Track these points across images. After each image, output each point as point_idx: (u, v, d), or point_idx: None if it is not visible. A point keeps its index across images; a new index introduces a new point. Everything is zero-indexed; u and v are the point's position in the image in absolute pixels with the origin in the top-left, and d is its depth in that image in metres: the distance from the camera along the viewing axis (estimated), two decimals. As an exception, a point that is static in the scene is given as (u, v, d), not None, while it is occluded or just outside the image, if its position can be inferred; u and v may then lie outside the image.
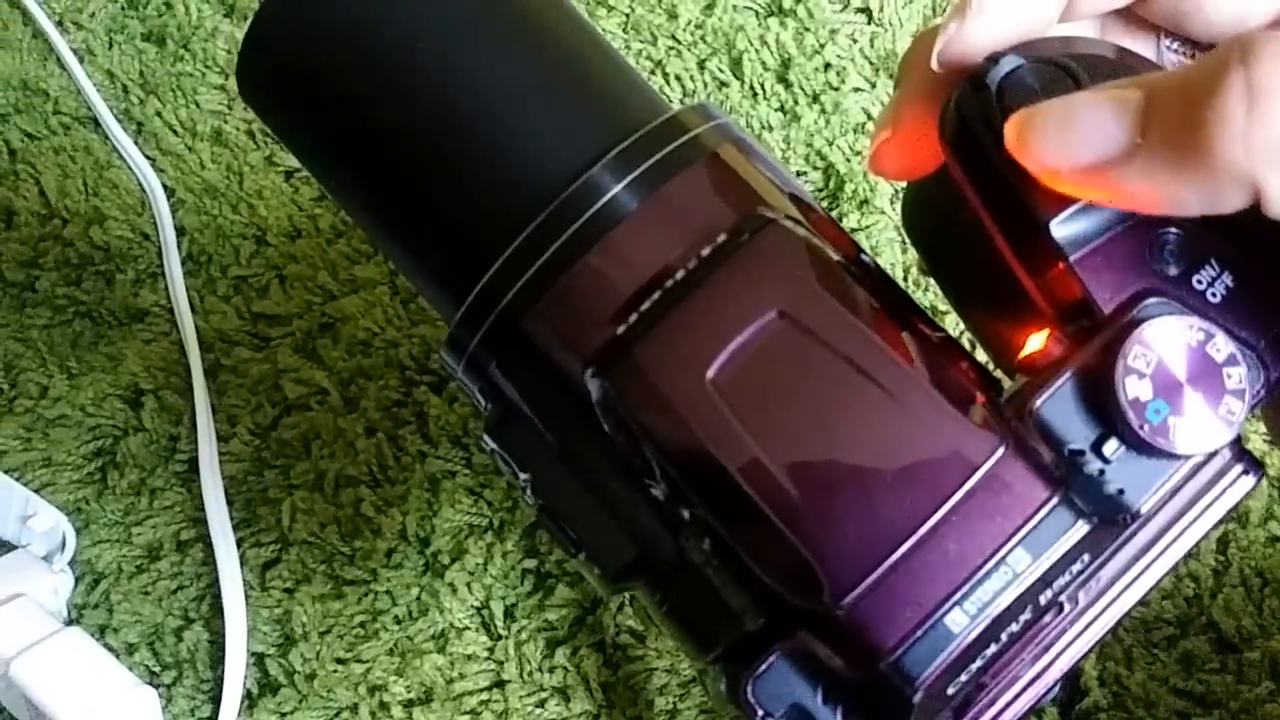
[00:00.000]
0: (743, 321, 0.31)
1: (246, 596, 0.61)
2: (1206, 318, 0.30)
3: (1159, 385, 0.29)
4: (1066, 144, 0.29)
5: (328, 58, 0.36)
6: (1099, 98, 0.29)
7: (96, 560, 0.63)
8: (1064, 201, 0.30)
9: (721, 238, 0.32)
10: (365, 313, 0.67)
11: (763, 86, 0.73)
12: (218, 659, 0.60)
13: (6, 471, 0.64)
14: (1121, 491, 0.30)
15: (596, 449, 0.32)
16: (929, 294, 0.64)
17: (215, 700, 0.59)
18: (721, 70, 0.73)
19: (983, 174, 0.31)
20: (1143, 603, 0.31)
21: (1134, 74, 0.31)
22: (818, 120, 0.71)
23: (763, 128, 0.71)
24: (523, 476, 0.34)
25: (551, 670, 0.58)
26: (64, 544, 0.62)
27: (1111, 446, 0.30)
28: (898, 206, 0.67)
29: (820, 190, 0.69)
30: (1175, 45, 0.35)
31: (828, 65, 0.73)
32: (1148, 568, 0.31)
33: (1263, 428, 0.55)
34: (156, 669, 0.60)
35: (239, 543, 0.62)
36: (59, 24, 0.81)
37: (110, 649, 0.59)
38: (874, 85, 0.72)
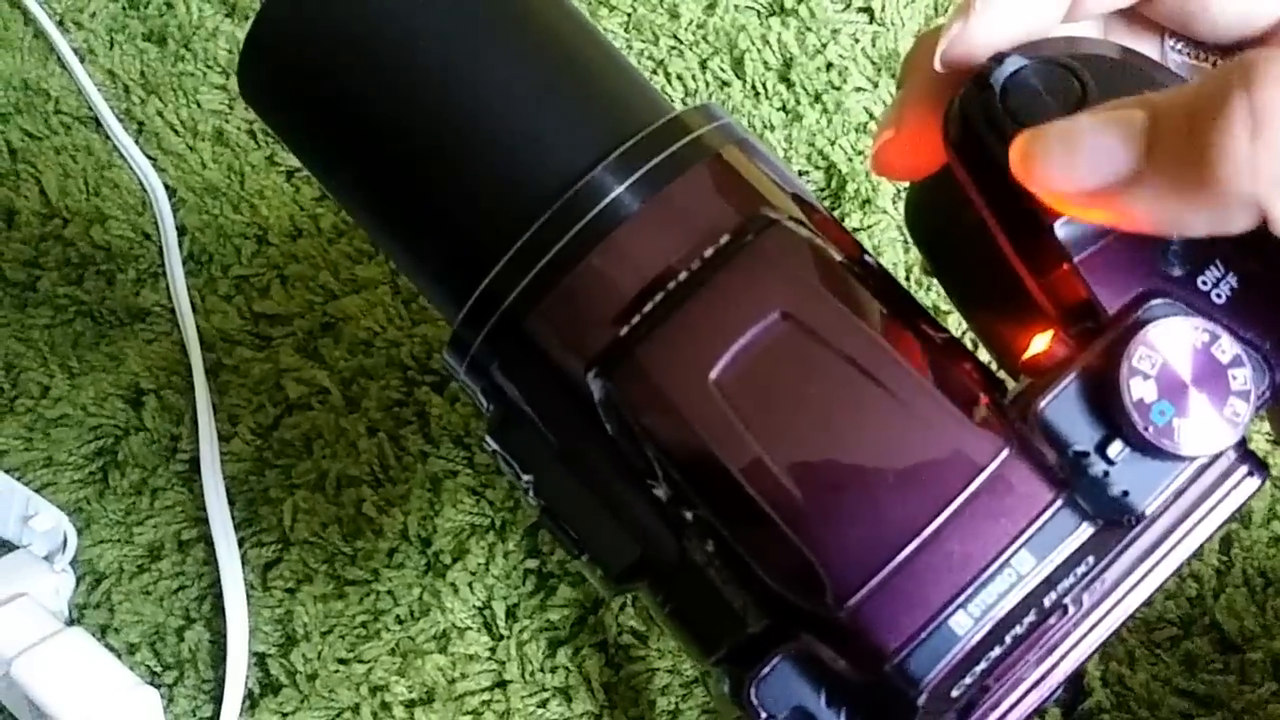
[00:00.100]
0: (746, 323, 0.31)
1: (248, 596, 0.61)
2: (1211, 319, 0.30)
3: (1164, 387, 0.29)
4: (1071, 168, 0.28)
5: (329, 58, 0.36)
6: (1102, 121, 0.29)
7: (98, 560, 0.63)
8: None
9: (725, 239, 0.32)
10: (367, 312, 0.67)
11: (765, 86, 0.72)
12: (219, 659, 0.60)
13: (7, 471, 0.64)
14: (1126, 493, 0.30)
15: (599, 450, 0.32)
16: (931, 294, 0.63)
17: (217, 700, 0.59)
18: (723, 70, 0.73)
19: (986, 175, 0.31)
20: (1146, 604, 0.31)
21: (1139, 74, 0.31)
22: (820, 120, 0.71)
23: (765, 127, 0.71)
24: (525, 478, 0.34)
25: (553, 670, 0.58)
26: (65, 544, 0.62)
27: (1116, 448, 0.29)
28: (900, 206, 0.67)
29: (822, 190, 0.69)
30: (1180, 46, 0.35)
31: (830, 65, 0.73)
32: (1152, 569, 0.31)
33: (1265, 427, 0.55)
34: (158, 669, 0.60)
35: (240, 542, 0.62)
36: (60, 23, 0.80)
37: (111, 649, 0.59)
38: (876, 85, 0.72)
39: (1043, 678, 0.31)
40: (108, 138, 0.75)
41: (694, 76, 0.73)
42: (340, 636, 0.60)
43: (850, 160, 0.69)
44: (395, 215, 0.37)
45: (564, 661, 0.58)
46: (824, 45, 0.73)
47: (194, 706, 0.59)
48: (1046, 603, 0.30)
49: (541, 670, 0.58)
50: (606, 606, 0.59)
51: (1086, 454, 0.30)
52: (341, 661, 0.59)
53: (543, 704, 0.58)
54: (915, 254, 0.66)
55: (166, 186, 0.73)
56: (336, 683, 0.59)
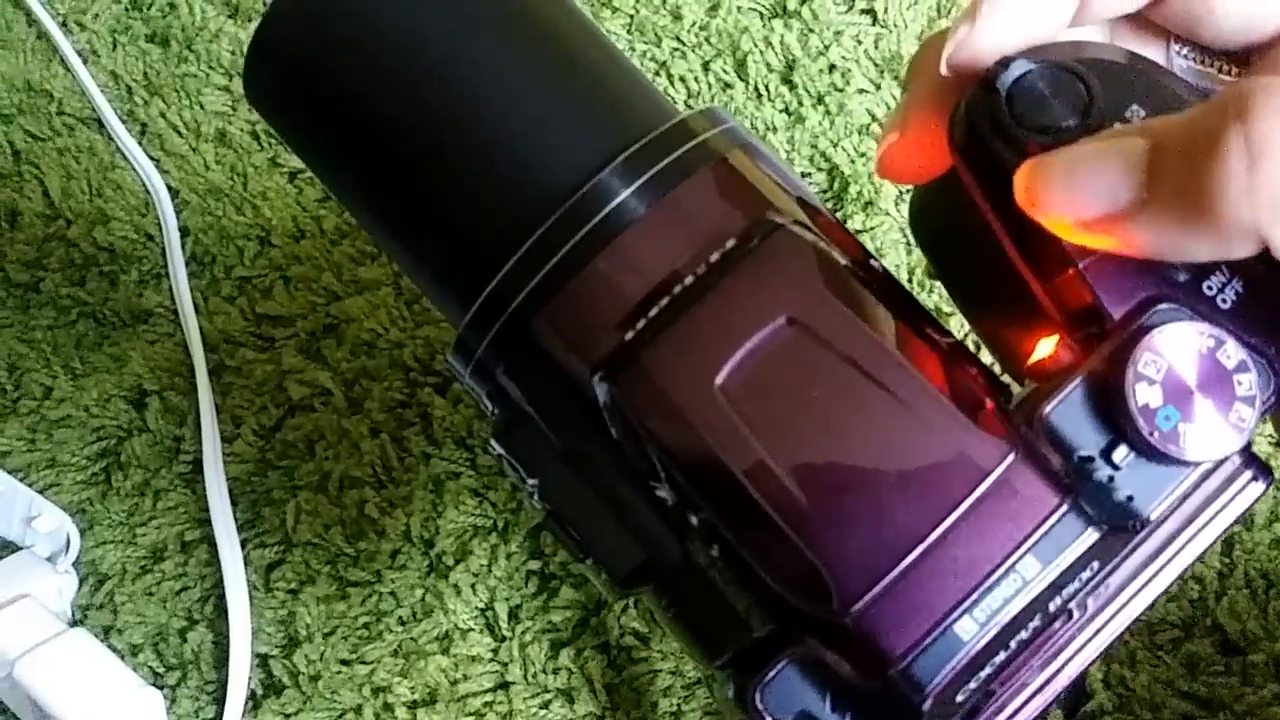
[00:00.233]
0: (752, 327, 0.31)
1: (251, 598, 0.61)
2: (1216, 324, 0.30)
3: (1169, 392, 0.29)
4: (1073, 197, 0.29)
5: (336, 60, 0.36)
6: (1103, 150, 0.29)
7: (100, 561, 0.63)
8: None
9: (730, 243, 0.32)
10: (369, 314, 0.67)
11: (767, 88, 0.73)
12: (222, 660, 0.60)
13: (10, 472, 0.64)
14: (1131, 498, 0.30)
15: (604, 454, 0.32)
16: (933, 297, 0.63)
17: (219, 701, 0.59)
18: (726, 72, 0.73)
19: (992, 179, 0.31)
20: (1151, 608, 0.31)
21: (1146, 79, 0.31)
22: (822, 122, 0.71)
23: (767, 129, 0.71)
24: (530, 481, 0.34)
25: (556, 672, 0.58)
26: (68, 545, 0.62)
27: (1121, 453, 0.29)
28: (902, 208, 0.67)
29: (825, 192, 0.69)
30: (1185, 51, 0.35)
31: (832, 67, 0.73)
32: (1157, 574, 0.31)
33: (1267, 429, 0.55)
34: (161, 670, 0.60)
35: (243, 544, 0.62)
36: (63, 25, 0.81)
37: (114, 650, 0.59)
38: (879, 87, 0.72)
39: (1047, 682, 0.31)
40: (111, 139, 0.75)
41: (696, 78, 0.73)
42: (343, 638, 0.60)
43: (853, 162, 0.69)
44: (400, 218, 0.37)
45: (566, 663, 0.58)
46: (826, 47, 0.73)
47: (196, 708, 0.59)
48: (1051, 608, 0.30)
49: (544, 671, 0.58)
50: (609, 608, 0.59)
51: (1092, 459, 0.30)
52: (344, 663, 0.59)
53: (545, 705, 0.58)
54: (917, 256, 0.66)
55: (169, 188, 0.73)
56: (339, 684, 0.59)
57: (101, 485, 0.65)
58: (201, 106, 0.76)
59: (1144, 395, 0.29)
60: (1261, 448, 0.56)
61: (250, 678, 0.59)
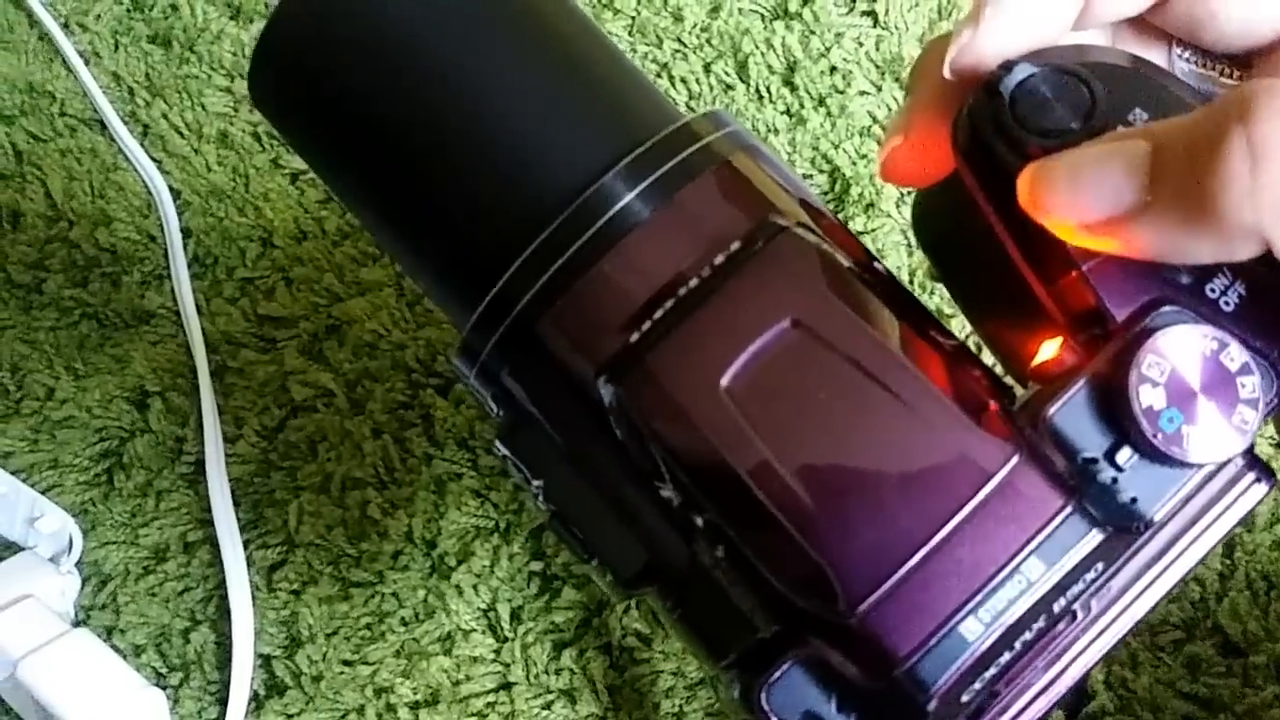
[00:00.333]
0: (757, 329, 0.31)
1: (253, 598, 0.61)
2: (1219, 326, 0.30)
3: (1173, 394, 0.29)
4: (1076, 200, 0.29)
5: (341, 63, 0.36)
6: (1106, 153, 0.29)
7: (103, 562, 0.63)
8: None
9: (735, 245, 0.32)
10: (371, 315, 0.67)
11: (768, 90, 0.73)
12: (224, 661, 0.60)
13: (13, 473, 0.64)
14: (1134, 500, 0.30)
15: (609, 456, 0.32)
16: (934, 299, 0.64)
17: (222, 702, 0.59)
18: (727, 73, 0.73)
19: (995, 182, 0.31)
20: (1154, 611, 0.31)
21: (1148, 83, 0.31)
22: (823, 123, 0.71)
23: (768, 131, 0.71)
24: (535, 483, 0.34)
25: (558, 672, 0.58)
26: (71, 545, 0.62)
27: (1125, 455, 0.30)
28: (903, 210, 0.68)
29: (826, 194, 0.69)
30: (1187, 54, 0.35)
31: (833, 68, 0.73)
32: (1160, 576, 0.31)
33: (1269, 431, 0.55)
34: (164, 670, 0.60)
35: (246, 544, 0.62)
36: (64, 26, 0.81)
37: (117, 650, 0.59)
38: (879, 88, 0.72)
39: (1051, 683, 0.31)
40: (113, 140, 0.76)
41: (698, 80, 0.74)
42: (345, 638, 0.60)
43: (854, 164, 0.69)
44: (405, 220, 0.37)
45: (569, 663, 0.58)
46: (828, 49, 0.73)
47: (199, 708, 0.59)
48: (1056, 609, 0.30)
49: (546, 672, 0.58)
50: (611, 609, 0.59)
51: (1095, 461, 0.30)
52: (346, 663, 0.59)
53: (547, 706, 0.58)
54: (919, 258, 0.66)
55: (171, 189, 0.73)
56: (341, 684, 0.59)
57: (104, 486, 0.65)
58: (203, 108, 0.76)
59: (1147, 397, 0.29)
60: (1263, 449, 0.56)
61: (253, 678, 0.59)
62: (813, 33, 0.74)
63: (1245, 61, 0.35)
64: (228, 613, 0.60)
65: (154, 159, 0.74)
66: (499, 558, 0.61)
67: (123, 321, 0.69)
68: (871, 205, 0.68)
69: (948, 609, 0.29)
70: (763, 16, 0.76)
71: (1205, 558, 0.31)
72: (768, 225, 0.33)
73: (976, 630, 0.29)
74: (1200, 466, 0.30)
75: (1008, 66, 0.31)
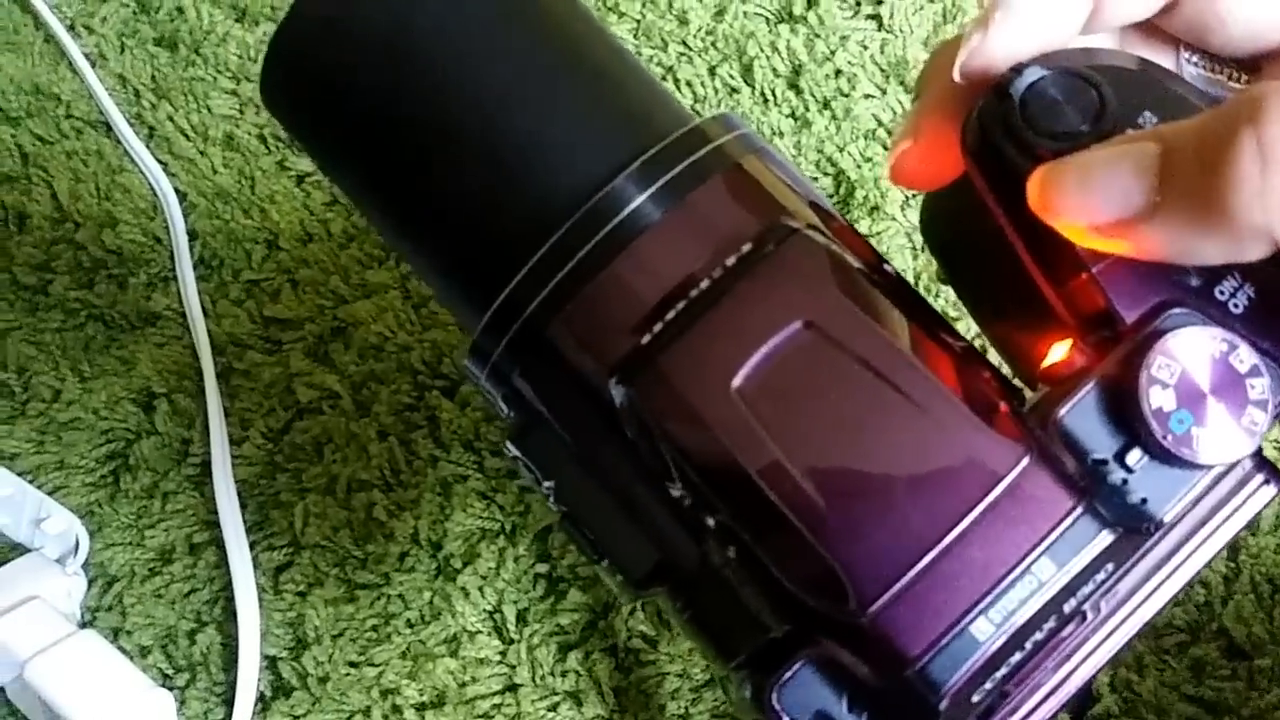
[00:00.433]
0: (768, 331, 0.31)
1: (259, 600, 0.61)
2: (1229, 329, 0.30)
3: (1182, 396, 0.29)
4: (1086, 202, 0.29)
5: (354, 65, 0.36)
6: (1116, 155, 0.29)
7: (109, 563, 0.63)
8: None
9: (746, 247, 0.32)
10: (377, 317, 0.67)
11: (773, 93, 0.73)
12: (231, 662, 0.60)
13: (19, 474, 0.64)
14: (1144, 501, 0.30)
15: (620, 457, 0.33)
16: (940, 301, 0.64)
17: (228, 703, 0.59)
18: (732, 76, 0.74)
19: (1005, 184, 0.32)
20: (1164, 611, 0.31)
21: (1158, 86, 0.32)
22: (828, 126, 0.71)
23: (774, 134, 0.71)
24: (546, 483, 0.34)
25: (564, 674, 0.58)
26: (77, 547, 0.62)
27: (1135, 456, 0.30)
28: (908, 213, 0.68)
29: (831, 197, 0.69)
30: (1195, 59, 0.35)
31: (838, 72, 0.73)
32: (1170, 576, 0.31)
33: (1276, 434, 0.55)
34: (170, 672, 0.60)
35: (252, 546, 0.62)
36: (70, 28, 0.81)
37: (123, 652, 0.59)
38: (884, 91, 0.72)
39: (1061, 684, 0.31)
40: (119, 142, 0.76)
41: (703, 83, 0.74)
42: (351, 640, 0.60)
43: (859, 167, 0.69)
44: (416, 222, 0.37)
45: (574, 665, 0.58)
46: (833, 52, 0.74)
47: (206, 709, 0.59)
48: (1066, 609, 0.30)
49: (552, 674, 0.58)
50: (616, 611, 0.59)
51: (1105, 462, 0.30)
52: (352, 665, 0.60)
53: (553, 708, 0.58)
54: (924, 261, 0.66)
55: (177, 191, 0.73)
56: (347, 686, 0.59)
57: (110, 487, 0.65)
58: (209, 110, 0.76)
59: (1157, 399, 0.29)
60: (1268, 452, 0.56)
61: (259, 679, 0.59)
62: (818, 36, 0.74)
63: (1253, 66, 0.35)
64: (234, 614, 0.60)
65: (160, 161, 0.75)
66: (505, 560, 0.61)
67: (129, 323, 0.69)
68: (876, 208, 0.68)
69: (959, 609, 0.29)
70: (767, 20, 0.76)
71: (1214, 559, 0.32)
72: (779, 227, 0.33)
73: (987, 630, 0.29)
74: (1210, 468, 0.30)
75: (1018, 69, 0.31)
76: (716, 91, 0.73)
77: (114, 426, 0.66)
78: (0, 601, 0.58)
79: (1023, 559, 0.30)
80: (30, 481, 0.64)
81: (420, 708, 0.58)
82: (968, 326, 0.43)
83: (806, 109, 0.72)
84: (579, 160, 0.35)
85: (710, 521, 0.32)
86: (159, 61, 0.79)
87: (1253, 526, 0.58)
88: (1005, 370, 0.36)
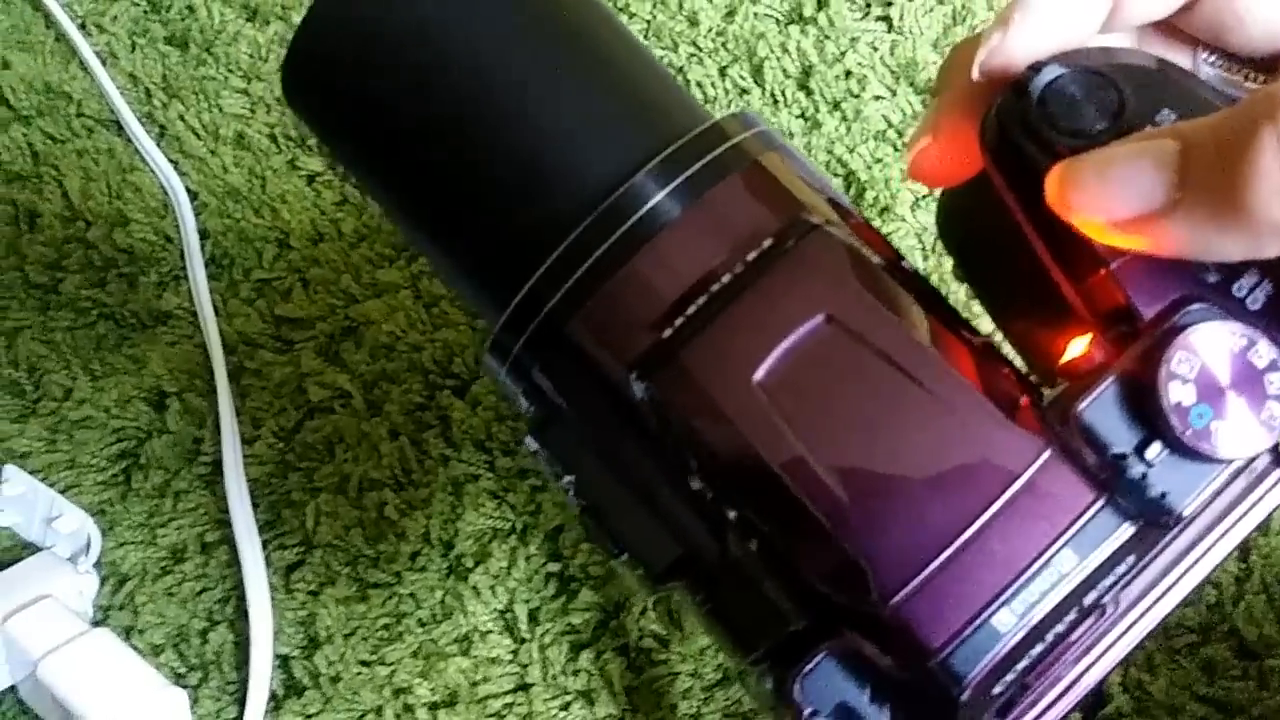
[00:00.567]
0: (790, 325, 0.31)
1: (271, 598, 0.61)
2: (1247, 324, 0.30)
3: (1202, 390, 0.29)
4: (1105, 198, 0.29)
5: (376, 60, 0.36)
6: (1135, 151, 0.29)
7: (121, 562, 0.63)
8: None
9: (767, 243, 0.33)
10: (388, 317, 0.67)
11: (784, 94, 0.73)
12: (243, 661, 0.60)
13: (31, 473, 0.64)
14: (1164, 495, 0.30)
15: (640, 450, 0.33)
16: (950, 300, 0.64)
17: (241, 702, 0.59)
18: (743, 77, 0.74)
19: (1023, 181, 0.32)
20: (1183, 605, 0.32)
21: (1176, 85, 0.32)
22: (838, 127, 0.71)
23: (784, 135, 0.71)
24: (566, 478, 0.34)
25: (575, 673, 0.58)
26: (89, 545, 0.62)
27: (1154, 450, 0.30)
28: (919, 214, 0.68)
29: (841, 197, 0.69)
30: (1212, 59, 0.35)
31: (848, 73, 0.73)
32: (1189, 570, 0.31)
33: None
34: (182, 670, 0.60)
35: (263, 545, 0.62)
36: (81, 27, 0.81)
37: (136, 650, 0.60)
38: (894, 93, 0.73)
39: (1081, 677, 0.31)
40: (129, 141, 0.76)
41: (713, 84, 0.74)
42: (363, 639, 0.60)
43: (869, 168, 0.69)
44: (436, 218, 0.38)
45: (586, 665, 0.58)
46: (843, 53, 0.74)
47: (218, 708, 0.59)
48: (1087, 602, 0.30)
49: (563, 673, 0.58)
50: (628, 610, 0.59)
51: (1125, 456, 0.30)
52: (364, 664, 0.60)
53: (565, 707, 0.58)
54: (934, 262, 0.66)
55: (188, 190, 0.73)
56: (359, 685, 0.59)
57: (122, 486, 0.65)
58: (220, 109, 0.76)
59: (1177, 393, 0.29)
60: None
61: (271, 678, 0.59)
62: (828, 37, 0.75)
63: (1270, 66, 0.35)
64: (246, 613, 0.61)
65: (171, 160, 0.75)
66: (516, 559, 0.61)
67: (140, 322, 0.69)
68: (887, 209, 0.68)
69: (981, 601, 0.29)
70: (778, 21, 0.76)
71: (1233, 553, 0.32)
72: (799, 223, 0.33)
73: (1009, 622, 0.29)
74: (1229, 462, 0.30)
75: (1037, 67, 0.32)
76: (727, 92, 0.74)
77: (125, 425, 0.66)
78: (13, 600, 0.58)
79: (1044, 551, 0.30)
80: (42, 480, 0.64)
81: (432, 707, 0.58)
82: (980, 325, 0.43)
83: (817, 110, 0.72)
84: (599, 157, 0.35)
85: (731, 515, 0.32)
86: (170, 60, 0.79)
87: (1269, 523, 0.58)
88: (1021, 367, 0.36)
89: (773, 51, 0.74)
